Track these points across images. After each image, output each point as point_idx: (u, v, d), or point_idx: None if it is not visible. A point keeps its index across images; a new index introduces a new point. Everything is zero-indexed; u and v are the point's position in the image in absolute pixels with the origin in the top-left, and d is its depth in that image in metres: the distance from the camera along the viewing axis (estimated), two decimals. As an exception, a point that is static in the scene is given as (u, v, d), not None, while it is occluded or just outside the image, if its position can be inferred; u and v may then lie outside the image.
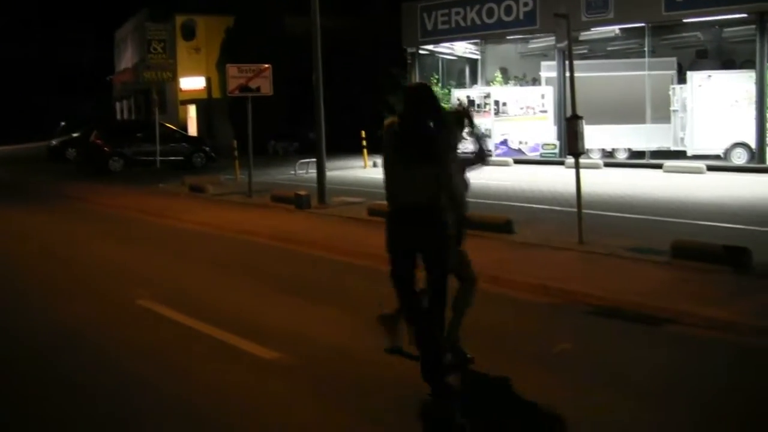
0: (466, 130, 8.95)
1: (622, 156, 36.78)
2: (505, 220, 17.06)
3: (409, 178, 7.89)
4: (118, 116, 79.62)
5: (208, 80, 59.93)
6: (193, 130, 60.16)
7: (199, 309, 11.78)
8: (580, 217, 15.52)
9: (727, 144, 32.68)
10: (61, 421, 7.89)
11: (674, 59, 36.75)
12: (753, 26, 32.20)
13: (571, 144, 15.84)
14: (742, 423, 7.36)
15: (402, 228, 8.01)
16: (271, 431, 7.44)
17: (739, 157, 32.34)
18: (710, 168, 31.10)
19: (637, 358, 9.18)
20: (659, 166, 32.30)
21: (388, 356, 8.79)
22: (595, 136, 32.87)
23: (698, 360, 9.08)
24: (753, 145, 31.90)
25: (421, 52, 43.92)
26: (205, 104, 60.84)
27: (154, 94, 40.82)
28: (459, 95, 40.99)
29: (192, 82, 61.46)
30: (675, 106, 34.41)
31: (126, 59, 75.97)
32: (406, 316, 8.23)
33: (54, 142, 57.20)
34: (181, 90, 61.99)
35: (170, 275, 14.93)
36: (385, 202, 8.27)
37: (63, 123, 61.07)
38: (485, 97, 39.96)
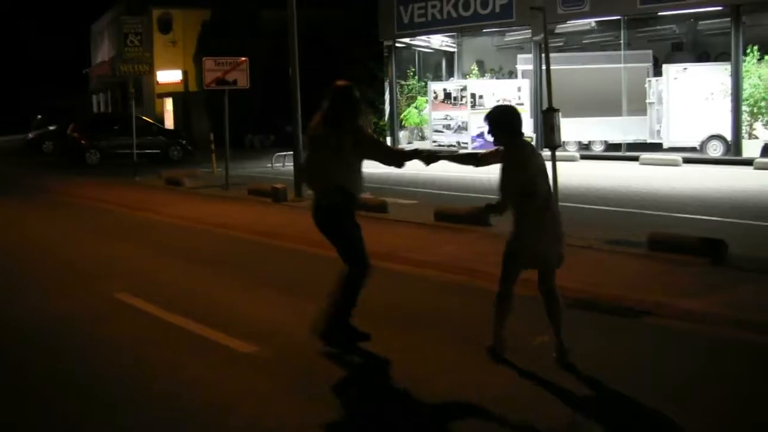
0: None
1: (598, 148, 36.90)
2: (479, 209, 17.06)
3: None
4: (95, 109, 79.38)
5: (185, 73, 59.79)
6: (170, 123, 60.03)
7: (176, 302, 11.76)
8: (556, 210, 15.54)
9: (703, 136, 32.80)
10: (33, 415, 7.87)
11: (650, 52, 36.88)
12: (728, 19, 32.31)
13: (547, 137, 15.85)
14: (715, 414, 7.38)
15: None
16: (247, 425, 7.41)
17: (715, 150, 32.45)
18: (686, 160, 31.25)
19: (615, 350, 9.20)
20: (635, 159, 32.45)
21: (365, 349, 8.81)
22: (572, 129, 32.99)
23: (674, 352, 9.11)
24: (728, 137, 32.02)
25: (397, 45, 43.92)
26: (181, 97, 60.72)
27: (130, 87, 40.49)
28: (435, 87, 40.99)
29: (169, 75, 61.31)
30: (651, 98, 34.53)
31: (102, 52, 75.70)
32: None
33: (31, 135, 57.09)
34: (157, 83, 61.82)
35: (147, 268, 14.88)
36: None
37: (39, 116, 60.87)
38: (462, 89, 39.96)
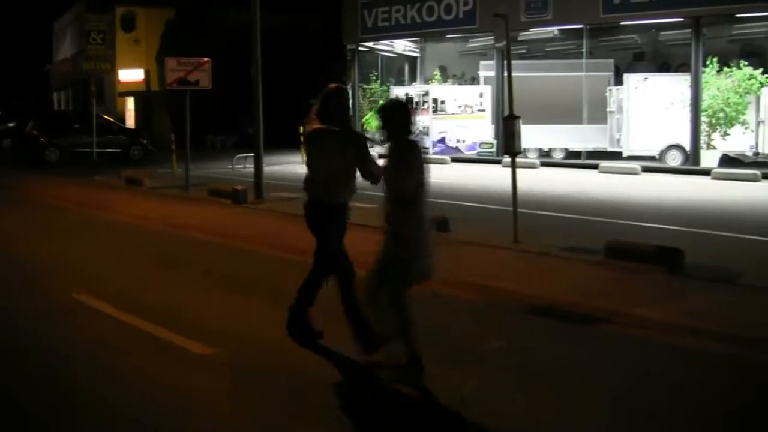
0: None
1: (558, 156, 37.07)
2: (440, 218, 17.12)
3: None
4: (56, 107, 78.81)
5: (147, 72, 59.47)
6: (131, 122, 59.75)
7: (134, 303, 11.70)
8: (515, 217, 15.62)
9: (662, 146, 33.05)
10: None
11: (611, 61, 37.10)
12: (689, 30, 32.55)
13: (507, 143, 15.94)
14: (662, 420, 7.46)
15: None
16: (203, 427, 7.42)
17: (674, 159, 32.71)
18: (645, 169, 31.46)
19: (570, 357, 9.25)
20: (595, 167, 32.62)
21: (321, 352, 8.84)
22: (532, 136, 33.10)
23: (628, 359, 9.17)
24: (687, 147, 32.28)
25: (361, 48, 43.93)
26: (143, 97, 60.44)
27: (92, 86, 40.45)
28: (398, 92, 41.05)
29: (131, 74, 61.00)
30: (611, 107, 34.74)
31: (65, 50, 75.21)
32: None
33: (-12, 132, 56.59)
34: (119, 82, 61.52)
35: (106, 269, 14.77)
36: None
37: (-1, 112, 60.45)
38: (424, 95, 40.03)
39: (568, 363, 9.05)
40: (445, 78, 43.32)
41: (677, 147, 32.72)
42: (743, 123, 31.32)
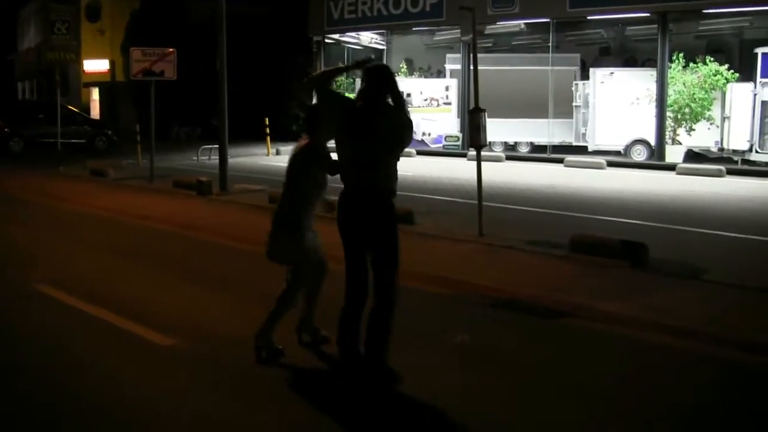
0: None
1: (524, 150, 37.22)
2: (405, 210, 17.07)
3: None
4: (20, 97, 78.31)
5: (112, 63, 59.17)
6: (96, 113, 59.44)
7: (97, 294, 11.60)
8: (480, 210, 15.59)
9: (628, 140, 33.23)
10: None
11: (578, 55, 37.29)
12: (655, 25, 32.68)
13: (473, 136, 15.91)
14: (619, 412, 7.46)
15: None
16: (164, 419, 7.33)
17: (639, 154, 32.87)
18: (610, 164, 31.55)
19: (532, 351, 9.23)
20: (560, 161, 32.66)
21: (283, 344, 8.77)
22: (498, 130, 33.20)
23: (590, 353, 9.16)
24: (652, 142, 32.46)
25: (327, 40, 43.91)
26: (108, 87, 60.12)
27: (56, 76, 40.18)
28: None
29: (96, 65, 60.68)
30: (577, 101, 34.88)
31: (29, 39, 74.74)
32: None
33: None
34: (84, 72, 61.20)
35: (68, 259, 14.67)
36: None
37: (-40, 102, 59.96)
38: (390, 87, 39.95)
39: (531, 357, 9.03)
40: (411, 71, 43.34)
41: (642, 142, 32.89)
42: (708, 119, 31.49)
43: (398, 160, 8.21)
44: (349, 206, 8.14)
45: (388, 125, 7.97)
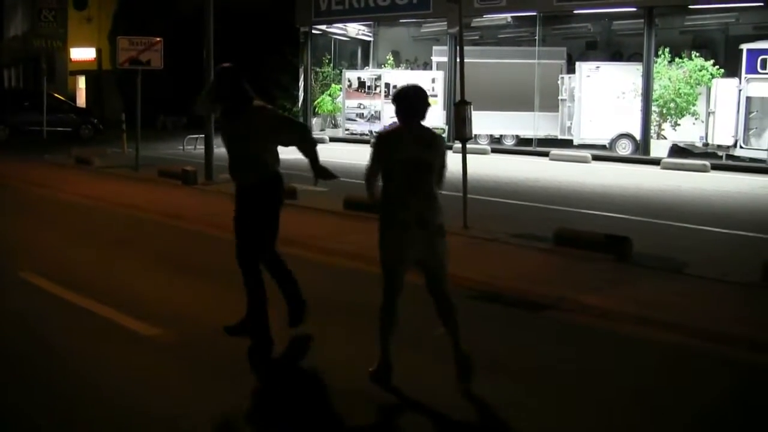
0: None
1: (509, 143, 37.21)
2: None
3: None
4: (5, 84, 78.06)
5: (99, 51, 58.96)
6: (82, 101, 59.30)
7: (81, 283, 11.60)
8: (465, 203, 15.62)
9: (613, 134, 33.27)
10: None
11: (564, 49, 37.30)
12: (641, 20, 32.75)
13: (458, 129, 15.94)
14: (612, 407, 7.49)
15: None
16: (148, 408, 7.34)
17: (624, 148, 32.92)
18: (595, 157, 31.63)
19: (515, 344, 9.27)
20: (546, 154, 32.71)
21: (276, 336, 8.80)
22: (484, 122, 33.24)
23: (573, 346, 9.20)
24: (638, 136, 32.51)
25: (314, 31, 43.88)
26: (95, 76, 59.95)
27: (43, 63, 40.08)
28: (350, 76, 41.01)
29: (82, 53, 60.53)
30: (563, 95, 34.88)
31: (15, 26, 74.45)
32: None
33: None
34: (71, 60, 61.04)
35: (53, 248, 14.66)
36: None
37: (-54, 89, 59.76)
38: (376, 79, 40.00)
39: (514, 349, 9.05)
40: (398, 63, 43.34)
41: (628, 136, 32.95)
42: (694, 114, 31.59)
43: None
44: None
45: None
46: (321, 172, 8.93)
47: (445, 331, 8.07)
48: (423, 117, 8.03)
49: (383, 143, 8.01)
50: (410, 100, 8.04)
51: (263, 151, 9.00)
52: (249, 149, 9.02)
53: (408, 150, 7.86)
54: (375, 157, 7.92)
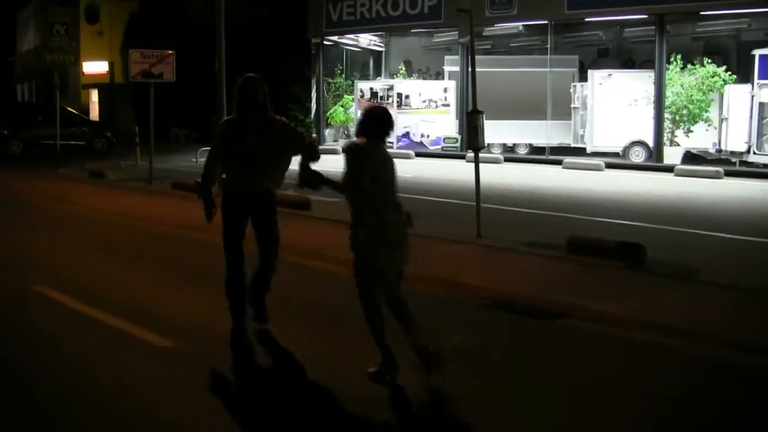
0: None
1: (522, 151, 37.15)
2: (403, 212, 17.12)
3: None
4: (19, 99, 78.25)
5: (111, 65, 59.20)
6: (95, 114, 59.48)
7: (95, 295, 11.64)
8: (478, 211, 15.62)
9: (626, 142, 33.22)
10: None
11: (576, 57, 37.26)
12: (653, 27, 32.73)
13: (470, 138, 15.96)
14: (626, 415, 7.49)
15: None
16: (161, 420, 7.36)
17: (637, 155, 32.88)
18: (609, 165, 31.55)
19: (529, 352, 9.27)
20: (559, 163, 32.65)
21: (287, 346, 8.81)
22: (497, 131, 33.21)
23: (587, 354, 9.20)
24: (650, 143, 32.45)
25: (325, 42, 43.92)
26: (107, 89, 60.14)
27: (55, 78, 40.11)
28: (362, 86, 41.08)
29: (95, 66, 60.72)
30: (576, 103, 34.84)
31: (28, 41, 74.67)
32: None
33: (-51, 124, 56.17)
34: (83, 74, 61.19)
35: (68, 261, 14.69)
36: None
37: (-40, 105, 59.90)
38: (388, 89, 40.05)
39: (528, 358, 9.06)
40: (410, 73, 43.36)
41: (641, 143, 32.91)
42: (706, 120, 31.50)
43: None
44: None
45: None
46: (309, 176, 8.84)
47: (404, 329, 8.11)
48: (388, 135, 8.40)
49: (367, 155, 8.09)
50: (380, 119, 8.28)
51: (280, 160, 9.34)
52: (268, 158, 9.34)
53: (387, 165, 8.19)
54: (362, 167, 7.96)
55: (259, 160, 9.25)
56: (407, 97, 39.33)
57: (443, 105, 38.68)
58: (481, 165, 16.02)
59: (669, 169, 30.01)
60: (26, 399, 7.85)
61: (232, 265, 9.63)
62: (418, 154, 37.23)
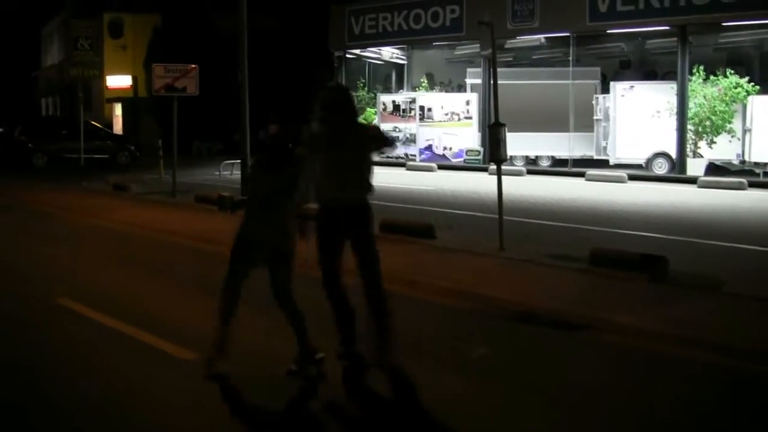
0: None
1: (545, 164, 37.12)
2: (426, 225, 17.17)
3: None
4: (43, 113, 78.68)
5: (135, 79, 59.40)
6: (118, 128, 59.73)
7: (119, 308, 11.67)
8: (501, 224, 15.62)
9: (649, 154, 33.14)
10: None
11: (598, 69, 37.20)
12: (675, 38, 32.69)
13: (493, 151, 15.95)
14: (648, 428, 7.48)
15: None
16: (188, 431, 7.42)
17: (660, 167, 32.80)
18: (632, 177, 31.51)
19: (552, 364, 9.27)
20: (581, 175, 32.62)
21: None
22: (519, 144, 33.18)
23: (610, 366, 9.19)
24: (673, 155, 32.37)
25: (348, 55, 44.01)
26: (131, 103, 60.36)
27: (79, 92, 40.35)
28: (384, 99, 41.15)
29: (118, 80, 60.98)
30: (598, 115, 34.81)
31: (52, 55, 75.12)
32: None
33: (-24, 138, 56.51)
34: (107, 88, 61.47)
35: (91, 274, 14.75)
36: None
37: (-14, 118, 60.19)
38: (410, 102, 40.12)
39: (550, 370, 9.05)
40: (432, 85, 43.39)
41: (664, 155, 32.84)
42: (729, 131, 31.42)
43: None
44: None
45: None
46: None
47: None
48: None
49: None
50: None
51: (368, 169, 9.05)
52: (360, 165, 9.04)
53: None
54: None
55: (352, 167, 9.00)
56: (429, 109, 39.37)
57: (465, 117, 38.68)
58: (503, 177, 16.01)
59: (692, 180, 29.97)
60: (47, 410, 7.91)
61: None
62: (440, 167, 37.27)
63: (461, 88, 41.78)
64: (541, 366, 9.20)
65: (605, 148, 34.64)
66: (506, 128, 15.66)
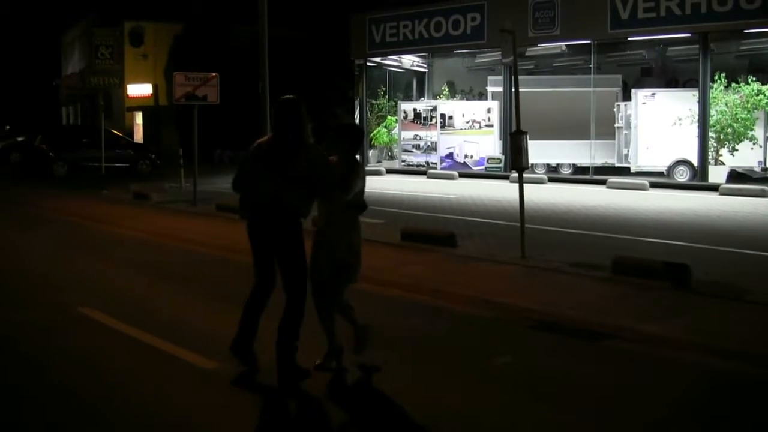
0: None
1: (566, 171, 37.05)
2: (447, 233, 17.15)
3: None
4: (64, 121, 79.03)
5: (155, 87, 59.59)
6: (139, 136, 59.88)
7: (140, 317, 11.69)
8: (523, 232, 15.59)
9: (670, 161, 33.05)
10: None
11: (619, 76, 37.14)
12: (696, 46, 32.57)
13: (515, 159, 15.92)
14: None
15: None
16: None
17: (682, 175, 32.70)
18: (653, 185, 31.41)
19: (575, 373, 9.23)
20: (603, 182, 32.54)
21: (329, 368, 8.82)
22: (540, 151, 33.16)
23: (633, 375, 9.16)
24: (695, 162, 32.27)
25: (368, 64, 44.00)
26: (151, 111, 60.52)
27: (100, 100, 40.54)
28: (405, 107, 41.16)
29: (139, 89, 61.14)
30: (619, 122, 34.73)
31: (73, 64, 75.41)
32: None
33: (-2, 146, 56.81)
34: (127, 96, 61.65)
35: (111, 282, 14.77)
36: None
37: (7, 126, 60.43)
38: (432, 110, 40.11)
39: (573, 379, 9.03)
40: (453, 93, 43.38)
41: (685, 162, 32.74)
42: (751, 138, 31.33)
43: None
44: None
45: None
46: None
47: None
48: None
49: None
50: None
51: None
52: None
53: None
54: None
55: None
56: (450, 117, 39.36)
57: (487, 125, 38.64)
58: (525, 185, 15.99)
59: (714, 188, 29.87)
60: (71, 420, 7.92)
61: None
62: (461, 175, 37.26)
63: (482, 96, 41.75)
64: (564, 375, 9.17)
65: (626, 156, 34.55)
66: (528, 136, 15.63)
